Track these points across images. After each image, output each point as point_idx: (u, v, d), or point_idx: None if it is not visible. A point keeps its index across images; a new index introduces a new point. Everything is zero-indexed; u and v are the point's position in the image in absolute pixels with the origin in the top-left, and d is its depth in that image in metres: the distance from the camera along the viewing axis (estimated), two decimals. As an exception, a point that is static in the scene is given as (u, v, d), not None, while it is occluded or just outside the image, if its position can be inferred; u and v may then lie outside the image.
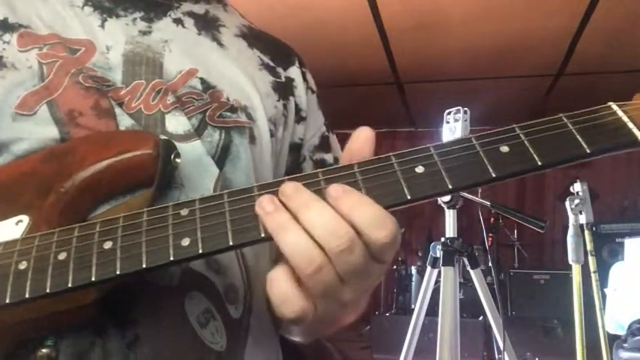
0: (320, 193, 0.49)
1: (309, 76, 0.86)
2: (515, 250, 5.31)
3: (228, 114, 0.70)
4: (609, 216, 5.33)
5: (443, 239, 2.56)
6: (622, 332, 3.31)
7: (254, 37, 0.83)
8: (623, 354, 3.17)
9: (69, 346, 0.54)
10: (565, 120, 0.51)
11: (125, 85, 0.65)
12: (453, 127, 2.49)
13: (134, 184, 0.58)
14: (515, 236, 5.27)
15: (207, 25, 0.77)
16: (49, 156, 0.58)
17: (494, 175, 0.50)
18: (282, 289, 0.49)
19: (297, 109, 0.82)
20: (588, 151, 0.50)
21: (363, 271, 0.49)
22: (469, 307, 4.16)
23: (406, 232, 5.51)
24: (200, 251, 0.49)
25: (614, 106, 0.52)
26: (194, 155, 0.64)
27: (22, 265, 0.50)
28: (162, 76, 0.68)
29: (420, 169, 0.50)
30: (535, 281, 4.78)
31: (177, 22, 0.74)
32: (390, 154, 0.51)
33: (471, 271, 2.57)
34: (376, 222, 0.47)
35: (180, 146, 0.62)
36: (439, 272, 2.53)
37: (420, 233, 5.80)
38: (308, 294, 0.49)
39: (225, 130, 0.68)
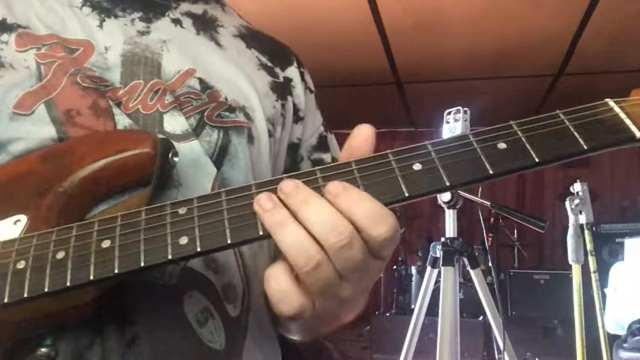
0: (318, 190, 0.49)
1: (307, 76, 0.86)
2: (515, 250, 5.31)
3: (227, 114, 0.70)
4: (609, 216, 5.34)
5: (443, 239, 2.56)
6: (622, 332, 3.30)
7: (252, 37, 0.83)
8: (623, 354, 3.17)
9: (68, 345, 0.54)
10: (562, 116, 0.51)
11: (123, 85, 0.65)
12: (453, 127, 2.49)
13: (132, 183, 0.58)
14: (515, 236, 5.28)
15: (206, 26, 0.77)
16: (46, 155, 0.58)
17: (491, 172, 0.50)
18: (279, 286, 0.49)
19: (296, 109, 0.82)
20: (585, 147, 0.50)
21: (362, 268, 0.49)
22: (469, 307, 4.15)
23: (406, 232, 5.50)
24: (198, 249, 0.49)
25: (611, 102, 0.52)
26: (192, 155, 0.64)
27: (21, 265, 0.50)
28: (161, 76, 0.68)
29: (417, 166, 0.50)
30: (535, 281, 4.78)
31: (176, 22, 0.74)
32: (388, 151, 0.51)
33: (471, 271, 2.57)
34: (376, 218, 0.48)
35: (178, 146, 0.62)
36: (439, 272, 2.53)
37: (420, 233, 5.81)
38: (306, 291, 0.49)
39: (223, 130, 0.68)
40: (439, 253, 2.54)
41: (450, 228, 2.59)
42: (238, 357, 0.65)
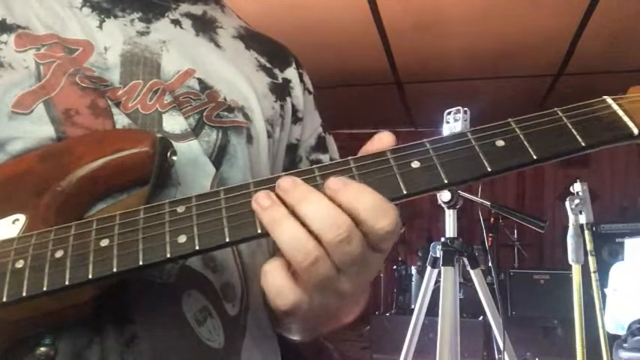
0: (316, 188, 0.49)
1: (305, 77, 0.87)
2: (515, 250, 5.30)
3: (226, 114, 0.70)
4: (609, 216, 5.34)
5: (443, 239, 2.56)
6: (622, 332, 3.30)
7: (251, 38, 0.83)
8: (623, 354, 3.17)
9: (67, 344, 0.54)
10: (560, 114, 0.52)
11: (122, 85, 0.65)
12: (453, 127, 2.49)
13: (130, 182, 0.58)
14: (515, 236, 5.27)
15: (205, 27, 0.77)
16: (45, 155, 0.58)
17: (489, 169, 0.50)
18: (275, 281, 0.49)
19: (294, 110, 0.82)
20: (583, 144, 0.50)
21: (361, 261, 0.49)
22: (469, 307, 4.15)
23: (406, 232, 5.51)
24: (196, 248, 0.49)
25: (608, 99, 0.52)
26: (191, 154, 0.64)
27: (19, 264, 0.50)
28: (160, 76, 0.68)
29: (415, 164, 0.50)
30: (535, 281, 4.78)
31: (175, 23, 0.74)
32: (386, 149, 0.52)
33: (471, 271, 2.57)
34: (378, 210, 0.48)
35: (177, 146, 0.62)
36: (439, 272, 2.53)
37: (420, 233, 5.80)
38: (303, 286, 0.49)
39: (222, 129, 0.69)
40: (439, 253, 2.53)
41: (450, 228, 2.59)
42: (237, 356, 0.65)
